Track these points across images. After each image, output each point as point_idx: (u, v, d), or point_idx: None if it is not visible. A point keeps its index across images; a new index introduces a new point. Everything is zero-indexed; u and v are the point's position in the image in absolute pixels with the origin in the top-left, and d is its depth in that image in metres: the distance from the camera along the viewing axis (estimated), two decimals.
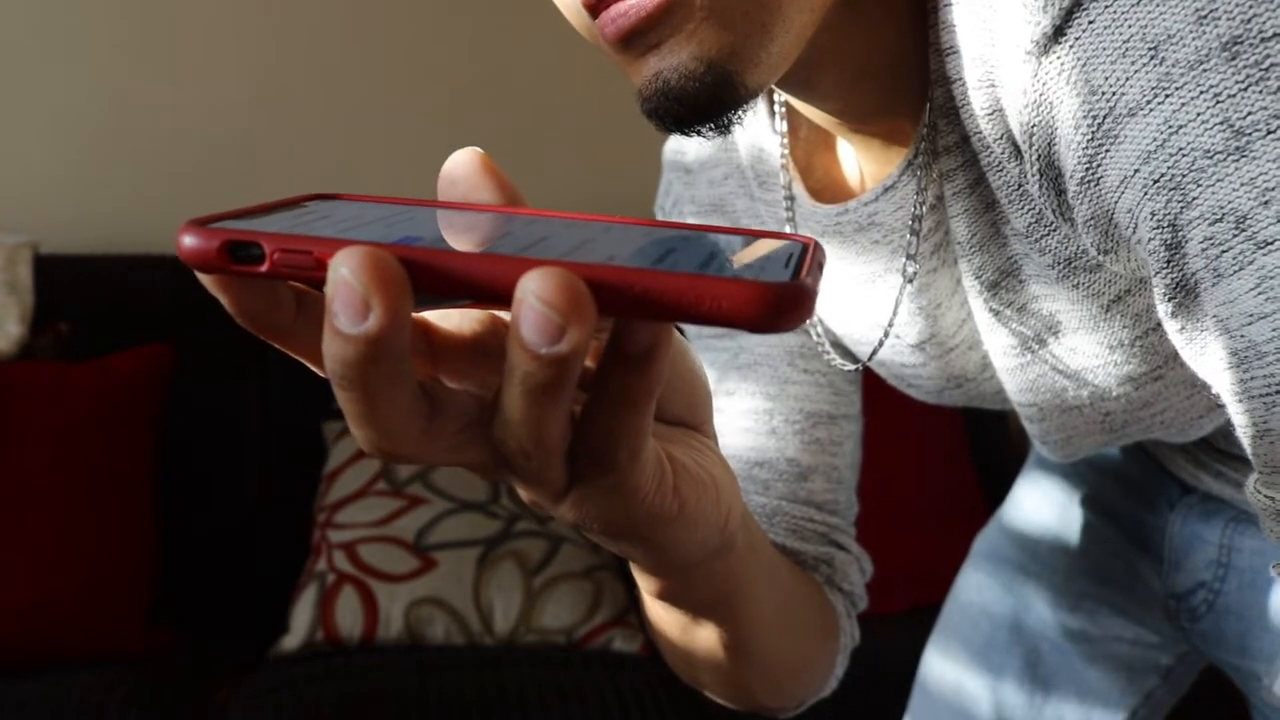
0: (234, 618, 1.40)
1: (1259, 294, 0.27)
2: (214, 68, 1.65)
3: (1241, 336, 0.27)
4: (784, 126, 0.45)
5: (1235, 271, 0.27)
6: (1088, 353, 0.41)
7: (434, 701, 1.11)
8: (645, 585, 0.31)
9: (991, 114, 0.34)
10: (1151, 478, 0.62)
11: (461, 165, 0.23)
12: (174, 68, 1.63)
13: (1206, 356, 0.29)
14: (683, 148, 0.52)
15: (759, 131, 0.46)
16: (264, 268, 0.20)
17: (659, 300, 0.19)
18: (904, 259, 0.42)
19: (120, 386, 1.34)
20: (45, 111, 1.59)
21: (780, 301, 0.18)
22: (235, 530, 1.45)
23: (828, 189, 0.46)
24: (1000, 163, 0.36)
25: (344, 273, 0.18)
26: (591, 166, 1.75)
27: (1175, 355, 0.40)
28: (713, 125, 0.33)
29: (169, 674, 1.21)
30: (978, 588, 0.68)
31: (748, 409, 0.50)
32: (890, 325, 0.45)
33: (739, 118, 0.34)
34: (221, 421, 1.48)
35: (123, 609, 1.26)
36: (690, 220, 0.51)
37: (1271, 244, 0.26)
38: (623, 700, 1.13)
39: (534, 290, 0.18)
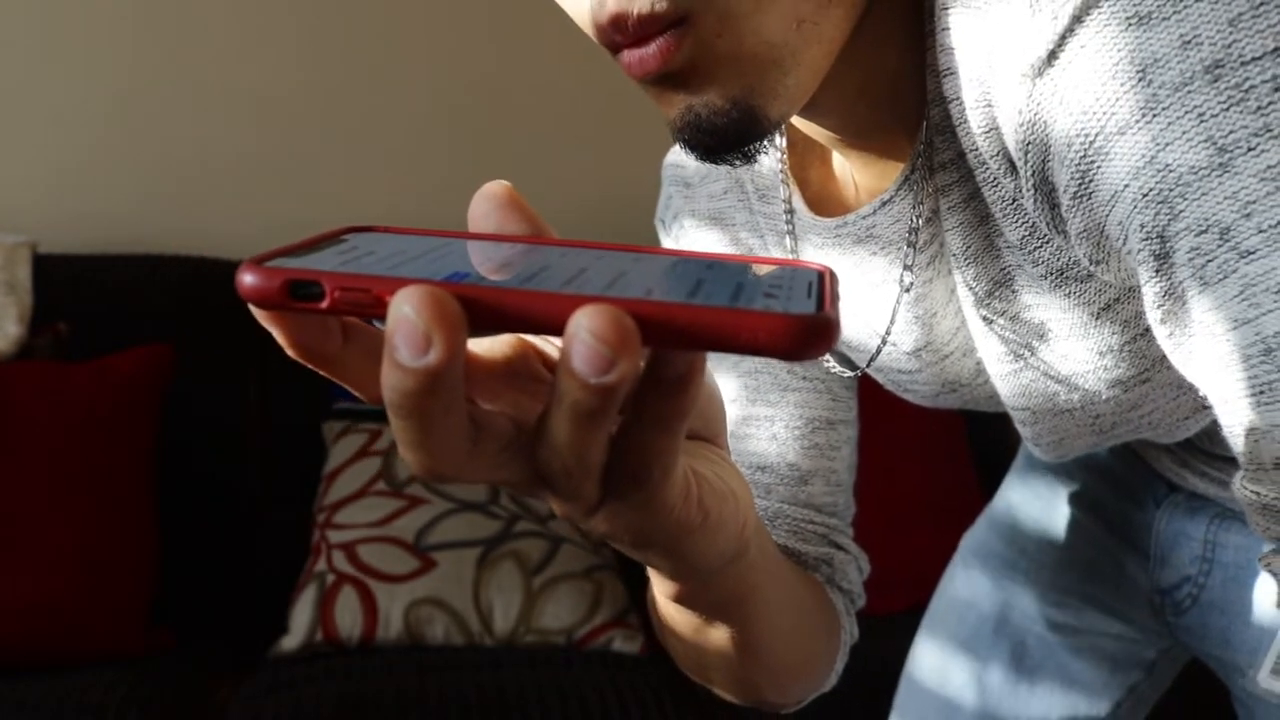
0: (234, 618, 1.40)
1: (1242, 300, 0.28)
2: (214, 68, 1.65)
3: (1227, 340, 0.29)
4: (783, 141, 0.46)
5: (1220, 280, 0.28)
6: (1078, 358, 0.42)
7: (434, 702, 1.12)
8: (663, 589, 0.33)
9: (988, 132, 0.35)
10: (1138, 476, 0.63)
11: (491, 198, 0.25)
12: (174, 67, 1.64)
13: (1194, 360, 0.31)
14: (682, 161, 0.53)
15: None
16: (324, 304, 0.21)
17: (699, 333, 0.20)
18: (901, 270, 0.44)
19: (120, 386, 1.35)
20: (44, 111, 1.60)
21: (810, 333, 0.20)
22: (235, 530, 1.45)
23: (823, 201, 0.47)
24: (995, 178, 0.37)
25: (407, 310, 0.20)
26: (594, 175, 1.76)
27: (1162, 359, 0.41)
28: (740, 154, 0.36)
29: (169, 674, 1.21)
30: (965, 582, 0.69)
31: (749, 416, 0.52)
32: (888, 333, 0.46)
33: (764, 147, 0.36)
34: (221, 421, 1.48)
35: (123, 609, 1.26)
36: (691, 233, 0.53)
37: (1254, 253, 0.28)
38: (623, 700, 1.14)
39: (586, 326, 0.20)
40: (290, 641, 1.25)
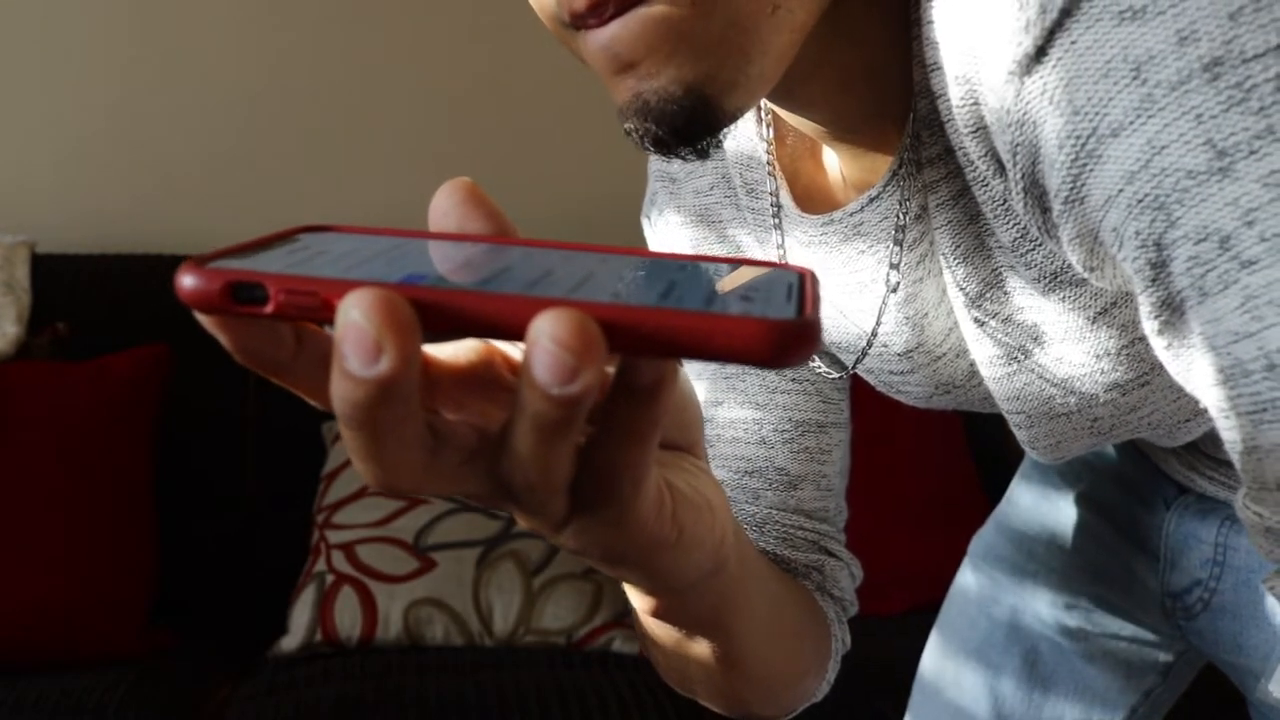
0: (233, 618, 1.40)
1: (1244, 312, 0.27)
2: (212, 68, 1.64)
3: (1227, 354, 0.27)
4: (770, 134, 0.45)
5: (1220, 290, 0.27)
6: (1074, 362, 0.41)
7: (433, 703, 1.12)
8: (639, 604, 0.32)
9: (975, 131, 0.34)
10: (1147, 477, 0.62)
11: (452, 195, 0.23)
12: (172, 68, 1.63)
13: (1194, 373, 0.29)
14: None
15: (745, 139, 0.46)
16: (269, 309, 0.20)
17: (669, 339, 0.19)
18: (888, 268, 0.42)
19: (118, 386, 1.34)
20: (43, 111, 1.59)
21: (789, 339, 0.19)
22: (234, 530, 1.45)
23: (813, 197, 0.46)
24: (984, 178, 0.36)
25: (355, 315, 0.18)
26: (581, 172, 1.75)
27: (1162, 363, 0.40)
28: (691, 148, 0.34)
29: (168, 674, 1.21)
30: (975, 587, 0.68)
31: (736, 419, 0.51)
32: (874, 334, 0.45)
33: (718, 142, 0.34)
34: (221, 421, 1.48)
35: (122, 609, 1.26)
36: (676, 230, 0.51)
37: (1255, 263, 0.26)
38: (622, 701, 1.13)
39: (547, 332, 0.18)
40: (290, 642, 1.24)
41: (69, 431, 1.29)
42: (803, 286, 0.21)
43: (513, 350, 0.26)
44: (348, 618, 1.25)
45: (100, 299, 1.48)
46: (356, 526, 1.32)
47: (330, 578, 1.28)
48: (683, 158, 0.34)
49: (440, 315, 0.19)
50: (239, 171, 1.66)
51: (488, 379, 0.25)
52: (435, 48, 1.71)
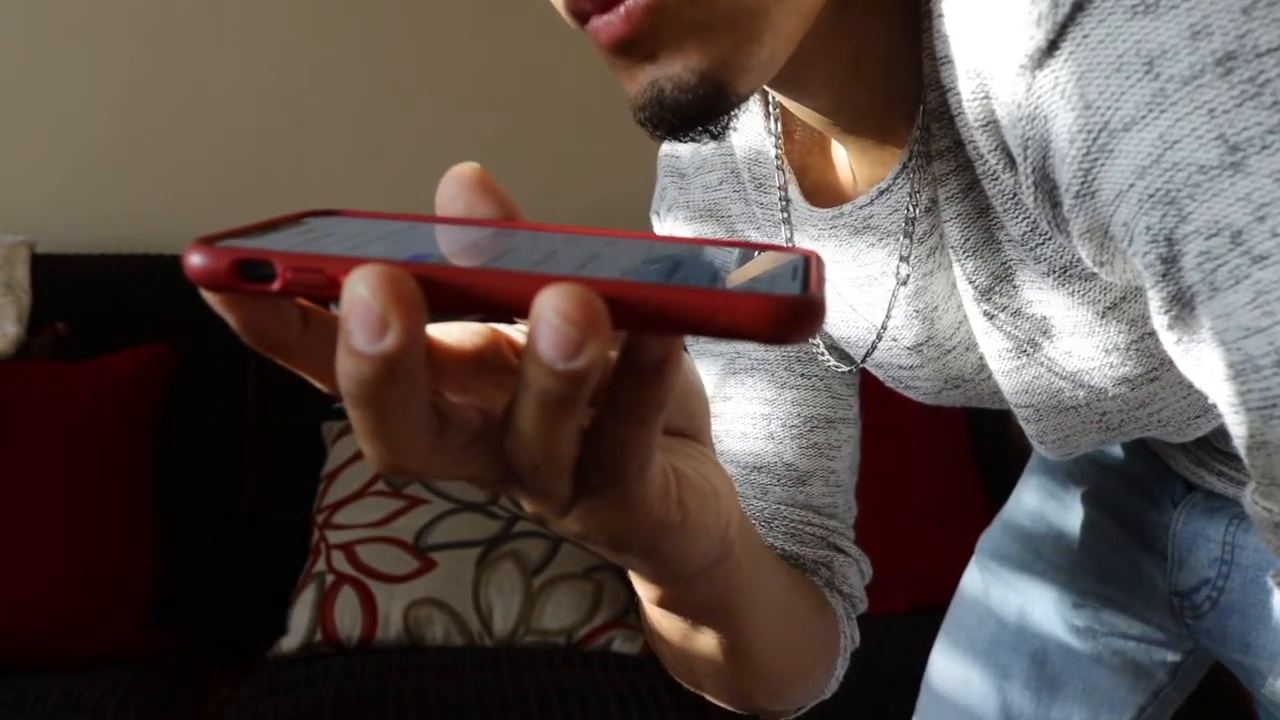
0: (233, 618, 1.40)
1: (1255, 308, 0.27)
2: (212, 68, 1.65)
3: (1238, 349, 0.28)
4: (779, 129, 0.45)
5: (1231, 286, 0.27)
6: (1083, 356, 0.41)
7: (433, 703, 1.11)
8: (644, 593, 0.32)
9: (986, 125, 0.34)
10: (1155, 475, 0.62)
11: (460, 180, 0.23)
12: (173, 67, 1.63)
13: (1203, 368, 0.29)
14: (677, 152, 0.52)
15: (754, 134, 0.46)
16: (275, 286, 0.20)
17: (675, 314, 0.19)
18: (898, 261, 0.43)
19: (118, 386, 1.34)
20: (44, 111, 1.59)
21: (793, 314, 0.19)
22: (234, 531, 1.45)
23: (821, 192, 0.46)
24: (995, 172, 0.36)
25: (361, 291, 0.18)
26: (594, 171, 1.75)
27: (1171, 358, 0.40)
28: (706, 132, 0.34)
29: (168, 674, 1.21)
30: (982, 587, 0.68)
31: (745, 414, 0.51)
32: (884, 327, 0.45)
33: (731, 122, 0.35)
34: (220, 421, 1.48)
35: (122, 609, 1.26)
36: (685, 225, 0.52)
37: (1267, 258, 0.26)
38: (623, 701, 1.13)
39: (552, 306, 0.18)
40: (289, 642, 1.24)
41: (69, 431, 1.29)
42: (808, 267, 0.22)
43: (517, 334, 0.26)
44: (348, 618, 1.25)
45: (100, 299, 1.48)
46: (356, 526, 1.32)
47: (330, 578, 1.28)
48: (696, 140, 0.35)
49: (445, 292, 0.19)
50: (239, 171, 1.66)
51: (492, 362, 0.25)
52: (438, 50, 1.71)
